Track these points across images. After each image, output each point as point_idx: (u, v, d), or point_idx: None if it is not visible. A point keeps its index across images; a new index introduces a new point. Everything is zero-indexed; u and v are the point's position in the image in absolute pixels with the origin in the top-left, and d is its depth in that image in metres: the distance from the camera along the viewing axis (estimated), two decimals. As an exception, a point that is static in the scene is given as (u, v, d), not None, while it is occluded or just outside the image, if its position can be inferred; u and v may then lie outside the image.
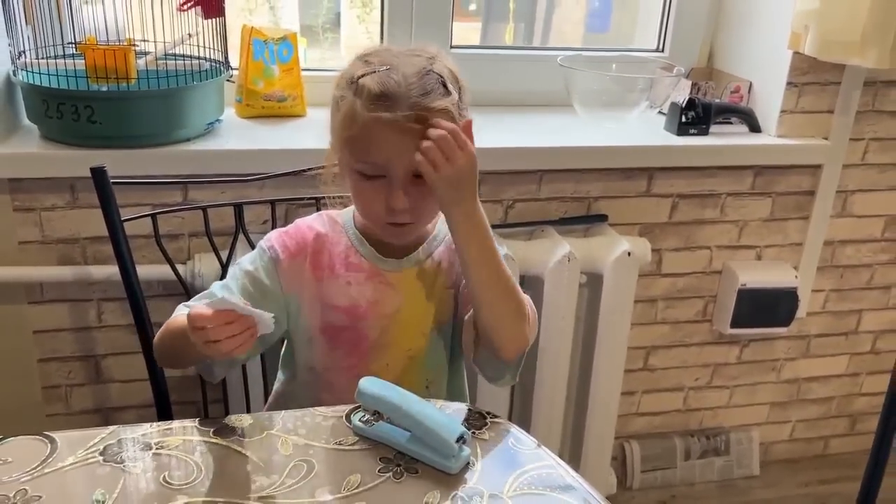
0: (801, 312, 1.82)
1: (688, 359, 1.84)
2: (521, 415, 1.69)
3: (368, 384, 0.85)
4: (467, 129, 0.95)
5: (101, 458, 0.81)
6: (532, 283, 1.59)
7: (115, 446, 0.82)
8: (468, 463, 0.83)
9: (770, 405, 1.95)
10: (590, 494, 0.79)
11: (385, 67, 0.95)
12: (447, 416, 0.84)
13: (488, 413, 0.92)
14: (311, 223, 1.08)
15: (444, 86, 0.96)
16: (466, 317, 1.02)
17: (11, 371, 1.48)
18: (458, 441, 0.81)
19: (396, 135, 0.93)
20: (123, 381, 1.54)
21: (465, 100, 1.00)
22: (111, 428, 0.85)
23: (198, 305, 0.86)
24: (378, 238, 1.05)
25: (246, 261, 1.06)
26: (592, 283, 1.61)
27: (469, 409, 0.92)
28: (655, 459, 1.89)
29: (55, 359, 1.50)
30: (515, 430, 0.89)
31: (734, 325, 1.75)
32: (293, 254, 1.04)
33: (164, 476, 0.79)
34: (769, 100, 1.67)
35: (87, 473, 0.79)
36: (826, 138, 1.68)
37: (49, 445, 0.82)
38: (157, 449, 0.83)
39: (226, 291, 1.00)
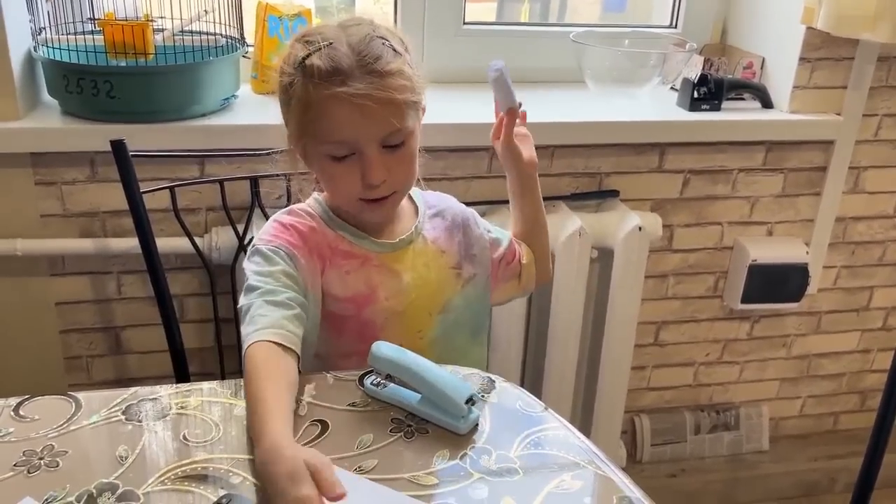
0: (812, 289, 1.82)
1: (698, 334, 1.86)
2: (532, 388, 1.70)
3: (381, 348, 0.88)
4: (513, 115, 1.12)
5: (123, 416, 0.84)
6: (543, 258, 1.60)
7: (136, 406, 0.86)
8: (477, 424, 0.85)
9: (780, 381, 1.96)
10: (596, 455, 0.81)
11: (328, 43, 0.93)
12: (457, 378, 0.86)
13: (498, 378, 0.94)
14: (292, 221, 1.02)
15: (392, 48, 0.95)
16: (525, 260, 1.20)
17: (34, 342, 1.52)
18: (467, 402, 0.83)
19: (357, 108, 0.91)
20: (142, 352, 1.58)
21: (411, 52, 0.99)
22: (132, 389, 0.88)
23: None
24: (359, 223, 1.03)
25: (269, 265, 0.96)
26: (603, 257, 1.63)
27: (479, 375, 0.94)
28: (665, 433, 1.91)
29: (76, 330, 1.54)
30: (523, 393, 0.91)
31: (745, 300, 1.76)
32: (299, 246, 0.99)
33: (184, 434, 0.82)
34: (782, 76, 1.67)
35: (111, 431, 0.82)
36: (839, 114, 1.68)
37: (73, 404, 0.85)
38: (177, 409, 0.86)
39: (283, 309, 0.91)
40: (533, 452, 0.82)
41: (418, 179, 1.09)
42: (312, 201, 1.07)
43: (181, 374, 1.33)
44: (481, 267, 1.13)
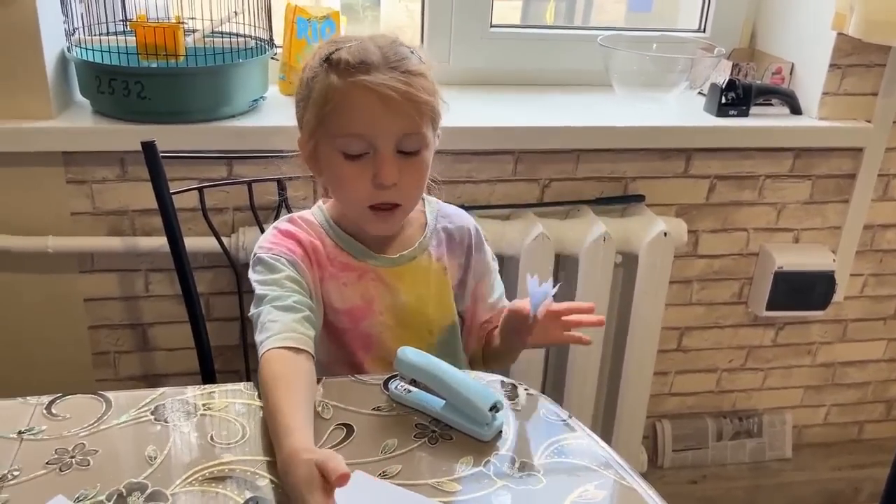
0: (838, 296, 1.81)
1: (722, 340, 1.85)
2: (554, 392, 1.71)
3: (406, 353, 0.88)
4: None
5: (152, 416, 0.85)
6: (567, 263, 1.61)
7: (164, 407, 0.87)
8: (501, 431, 0.85)
9: (805, 388, 1.95)
10: (619, 465, 0.82)
11: (356, 42, 0.95)
12: (482, 385, 0.87)
13: (521, 384, 0.94)
14: (291, 229, 1.03)
15: (419, 57, 0.97)
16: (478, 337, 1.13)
17: (64, 337, 1.54)
18: (491, 409, 0.84)
19: (380, 98, 0.91)
20: (169, 349, 1.60)
21: (433, 74, 1.00)
22: (161, 389, 0.89)
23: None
24: (360, 234, 1.03)
25: (272, 273, 0.97)
26: (628, 263, 1.62)
27: (502, 381, 0.94)
28: (687, 439, 1.90)
29: (105, 326, 1.56)
30: (548, 401, 0.91)
31: (770, 307, 1.74)
32: (300, 255, 1.00)
33: (211, 435, 0.83)
34: (811, 81, 1.66)
35: (140, 431, 0.83)
36: (869, 121, 1.66)
37: (104, 404, 0.87)
38: (203, 410, 0.87)
39: (292, 313, 0.93)
40: (556, 461, 0.82)
41: (435, 188, 1.10)
42: (316, 209, 1.07)
43: (207, 372, 1.34)
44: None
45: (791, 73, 1.71)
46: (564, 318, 0.98)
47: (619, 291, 1.67)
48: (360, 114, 0.93)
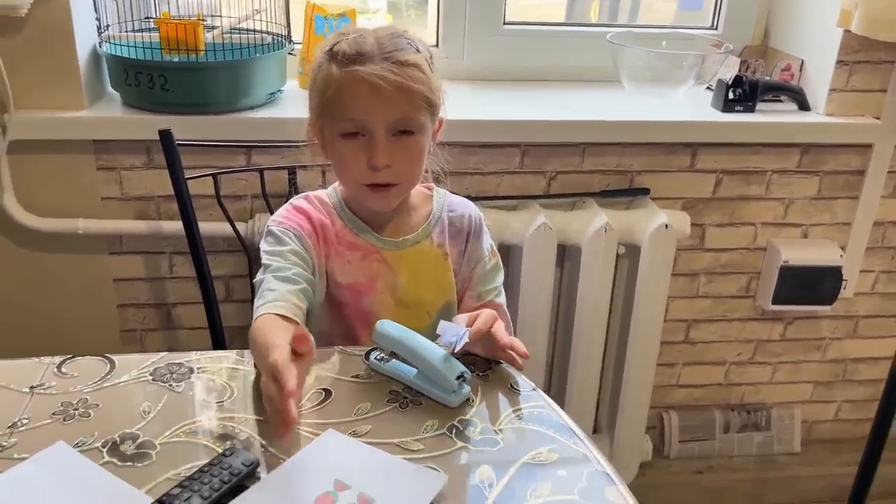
0: (848, 292, 1.82)
1: (730, 333, 1.87)
2: (558, 380, 1.76)
3: (384, 325, 0.95)
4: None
5: (150, 377, 0.93)
6: (570, 253, 1.66)
7: (163, 369, 0.95)
8: (468, 399, 0.92)
9: (814, 384, 1.96)
10: (574, 433, 0.87)
11: (357, 34, 1.02)
12: (451, 357, 0.92)
13: (495, 362, 1.00)
14: (305, 207, 1.10)
15: (416, 48, 1.02)
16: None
17: (94, 315, 1.65)
18: (458, 378, 0.90)
19: (372, 88, 0.98)
20: (190, 328, 1.69)
21: (434, 66, 1.05)
22: (161, 354, 0.98)
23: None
24: (368, 216, 1.10)
25: (279, 245, 1.05)
26: (631, 254, 1.66)
27: (475, 355, 1.00)
28: (694, 430, 1.93)
29: (132, 305, 1.66)
30: (515, 374, 0.97)
31: (776, 301, 1.77)
32: (308, 230, 1.07)
33: (202, 395, 0.91)
34: (819, 78, 1.68)
35: (138, 389, 0.91)
36: (878, 118, 1.67)
37: (109, 365, 0.95)
38: (198, 373, 0.95)
39: (289, 284, 1.00)
40: (515, 426, 0.88)
41: (442, 180, 1.16)
42: (331, 190, 1.15)
43: (219, 349, 1.42)
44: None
45: (801, 70, 1.73)
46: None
47: (624, 282, 1.71)
48: (355, 101, 1.01)
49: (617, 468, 0.82)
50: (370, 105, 1.00)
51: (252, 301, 1.53)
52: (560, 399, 1.67)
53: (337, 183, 1.15)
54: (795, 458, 1.97)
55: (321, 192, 1.14)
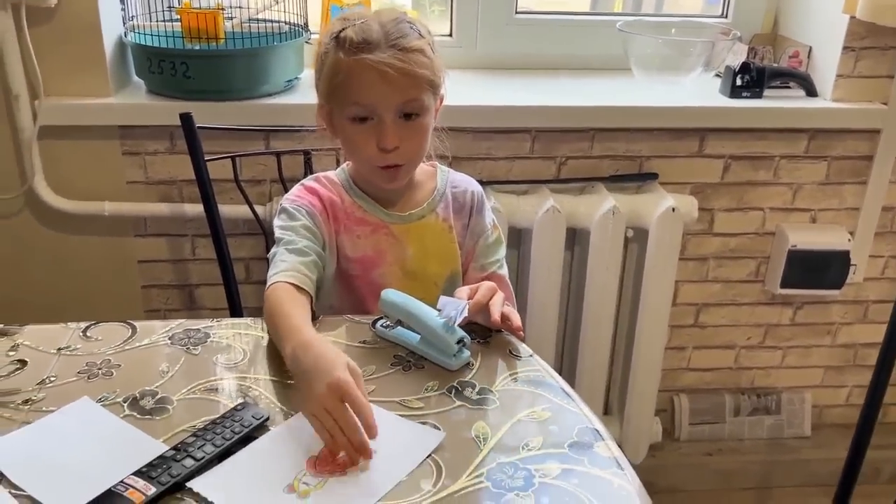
0: (857, 277, 1.84)
1: (739, 318, 1.90)
2: (568, 362, 1.80)
3: (388, 294, 1.00)
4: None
5: (169, 341, 0.99)
6: (579, 236, 1.69)
7: (181, 334, 1.01)
8: (468, 363, 0.96)
9: (825, 368, 1.98)
10: (566, 394, 0.91)
11: (362, 20, 1.06)
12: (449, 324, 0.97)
13: (496, 330, 1.04)
14: (315, 186, 1.16)
15: (419, 32, 1.07)
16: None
17: (119, 295, 1.71)
18: (458, 343, 0.94)
19: (380, 75, 1.03)
20: (212, 308, 1.75)
21: (435, 47, 1.09)
22: (179, 320, 1.04)
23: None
24: (376, 193, 1.15)
25: (291, 220, 1.10)
26: (640, 238, 1.70)
27: (477, 324, 1.04)
28: (704, 413, 1.96)
29: (156, 286, 1.73)
30: (515, 341, 1.02)
31: (784, 285, 1.79)
32: (319, 208, 1.13)
33: (216, 357, 0.96)
34: (827, 64, 1.70)
35: (157, 352, 0.97)
36: (885, 103, 1.69)
37: (130, 330, 1.01)
38: (213, 338, 1.00)
39: (300, 256, 1.05)
40: (512, 387, 0.92)
41: (449, 161, 1.21)
42: (340, 170, 1.20)
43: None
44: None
45: (809, 57, 1.75)
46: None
47: (633, 266, 1.74)
48: (363, 87, 1.06)
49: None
50: (378, 91, 1.05)
51: (269, 279, 1.62)
52: (570, 381, 1.67)
53: (346, 163, 1.20)
54: (805, 441, 1.99)
55: (330, 173, 1.20)
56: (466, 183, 1.23)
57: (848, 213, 1.80)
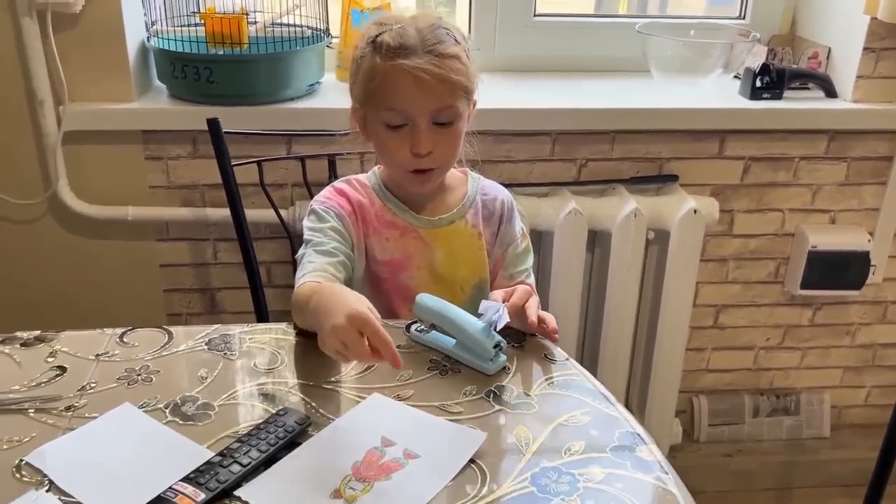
0: (877, 278, 1.84)
1: (759, 319, 1.90)
2: (589, 363, 1.80)
3: (423, 299, 1.01)
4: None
5: (206, 346, 1.00)
6: (600, 238, 1.70)
7: (217, 339, 1.01)
8: (505, 367, 0.97)
9: (844, 369, 1.98)
10: (605, 398, 0.92)
11: (399, 25, 1.06)
12: (488, 328, 0.97)
13: (530, 334, 1.05)
14: (345, 188, 1.17)
15: (454, 38, 1.07)
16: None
17: (142, 299, 1.72)
18: (494, 347, 0.95)
19: (416, 81, 1.03)
20: (234, 312, 1.76)
21: (470, 53, 1.10)
22: (214, 326, 1.04)
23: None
24: (406, 196, 1.16)
25: (320, 222, 1.11)
26: (661, 239, 1.70)
27: (512, 327, 1.04)
28: (723, 415, 1.96)
29: (177, 290, 1.73)
30: (550, 345, 1.02)
31: (804, 286, 1.79)
32: (348, 210, 1.14)
33: (254, 362, 0.97)
34: (847, 65, 1.70)
35: (195, 358, 0.98)
36: (905, 104, 1.69)
37: (167, 336, 1.02)
38: (249, 343, 1.01)
39: (328, 257, 1.07)
40: (550, 392, 0.93)
41: (475, 166, 1.21)
42: (371, 173, 1.21)
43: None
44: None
45: (828, 58, 1.75)
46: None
47: (654, 268, 1.74)
48: (399, 92, 1.06)
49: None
50: (414, 96, 1.05)
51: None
52: (591, 381, 1.71)
53: (377, 167, 1.21)
54: (825, 442, 1.99)
55: (361, 176, 1.21)
56: (497, 191, 1.23)
57: (867, 213, 1.81)
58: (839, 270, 1.78)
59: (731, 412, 1.96)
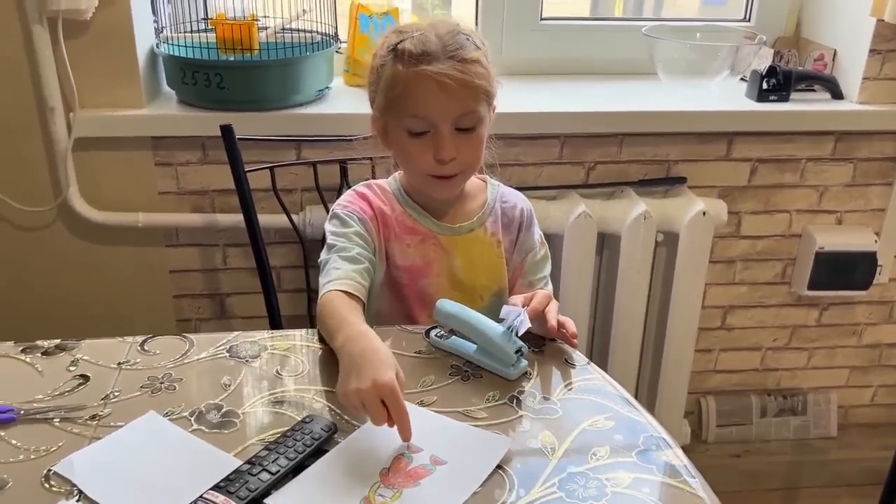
0: (883, 278, 1.85)
1: (766, 319, 1.91)
2: (598, 366, 1.78)
3: (444, 304, 1.01)
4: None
5: (227, 353, 1.00)
6: (610, 241, 1.70)
7: (238, 346, 1.01)
8: (526, 372, 0.97)
9: (850, 369, 1.99)
10: (627, 402, 0.92)
11: (419, 32, 1.07)
12: (509, 333, 0.97)
13: (550, 339, 1.05)
14: (367, 193, 1.16)
15: (474, 43, 1.08)
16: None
17: (151, 305, 1.72)
18: (516, 352, 0.95)
19: (439, 85, 1.03)
20: (244, 317, 1.76)
21: (490, 58, 1.10)
22: (235, 333, 1.04)
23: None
24: (426, 203, 1.16)
25: (343, 227, 1.11)
26: (669, 242, 1.70)
27: (532, 333, 1.05)
28: (731, 415, 1.97)
29: (187, 296, 1.73)
30: (569, 350, 1.02)
31: (811, 287, 1.80)
32: (370, 215, 1.14)
33: (276, 369, 0.97)
34: (852, 67, 1.71)
35: (217, 365, 0.98)
36: (911, 105, 1.70)
37: (188, 343, 1.02)
38: (271, 350, 1.01)
39: (353, 263, 1.06)
40: (573, 396, 0.93)
41: (493, 171, 1.22)
42: (392, 179, 1.20)
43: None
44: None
45: (833, 60, 1.76)
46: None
47: (662, 270, 1.75)
48: (422, 99, 1.06)
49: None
50: (437, 102, 1.05)
51: (306, 288, 1.62)
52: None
53: (397, 172, 1.21)
54: (832, 442, 2.00)
55: (381, 181, 1.20)
56: (516, 198, 1.23)
57: (874, 214, 1.82)
58: (846, 271, 1.79)
59: (738, 413, 1.97)
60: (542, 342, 1.04)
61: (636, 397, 1.82)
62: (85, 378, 0.94)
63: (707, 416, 1.97)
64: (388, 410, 0.82)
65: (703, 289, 1.72)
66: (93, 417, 0.87)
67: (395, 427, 0.82)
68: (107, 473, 0.79)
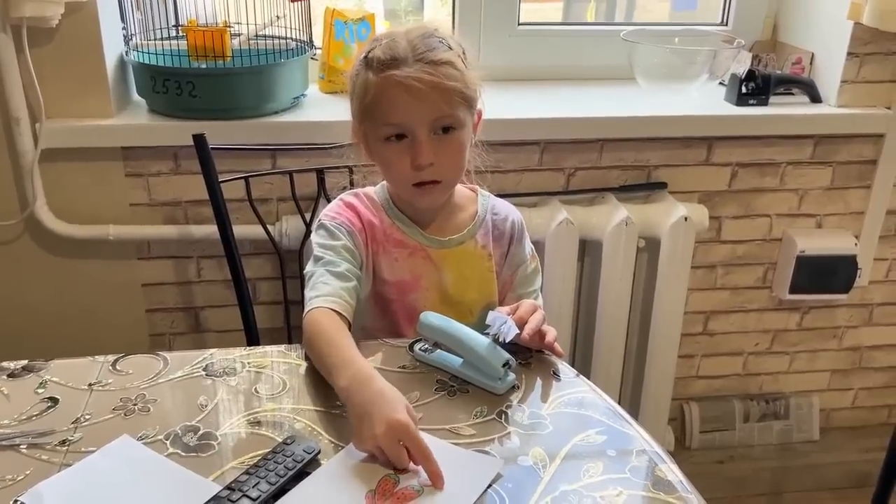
0: (863, 281, 1.85)
1: (748, 324, 1.90)
2: (581, 373, 1.78)
3: (428, 317, 0.98)
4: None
5: (203, 372, 0.96)
6: (591, 248, 1.68)
7: (215, 364, 0.98)
8: (514, 386, 0.94)
9: (831, 372, 1.99)
10: (619, 416, 0.90)
11: (390, 39, 1.04)
12: (496, 346, 0.95)
13: (537, 350, 1.02)
14: (355, 203, 1.13)
15: (448, 46, 1.04)
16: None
17: (123, 320, 1.67)
18: (503, 366, 0.92)
19: (408, 90, 1.00)
20: (219, 331, 1.72)
21: (469, 58, 1.07)
22: (211, 350, 1.00)
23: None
24: (414, 214, 1.12)
25: (332, 239, 1.08)
26: (651, 247, 1.69)
27: (517, 344, 1.02)
28: (714, 421, 1.96)
29: (161, 310, 1.69)
30: (558, 361, 1.00)
31: (793, 290, 1.80)
32: (358, 227, 1.10)
33: (255, 388, 0.93)
34: (830, 70, 1.71)
35: (193, 384, 0.94)
36: (889, 108, 1.70)
37: (162, 362, 0.98)
38: (249, 367, 0.97)
39: (342, 280, 1.03)
40: (562, 411, 0.90)
41: (481, 181, 1.19)
42: (380, 188, 1.17)
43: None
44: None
45: (811, 63, 1.76)
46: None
47: (644, 276, 1.74)
48: (394, 105, 1.03)
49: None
50: (409, 107, 1.02)
51: (283, 300, 1.58)
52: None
53: (384, 182, 1.18)
54: (815, 445, 2.00)
55: (370, 190, 1.16)
56: (508, 210, 1.20)
57: (853, 217, 1.82)
58: (827, 274, 1.79)
59: (721, 418, 1.96)
60: (530, 355, 1.01)
61: (619, 404, 1.82)
62: (54, 401, 0.90)
63: (690, 423, 1.95)
64: (409, 451, 0.79)
65: (685, 294, 1.70)
66: (62, 443, 0.83)
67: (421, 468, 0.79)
68: (78, 503, 0.75)
